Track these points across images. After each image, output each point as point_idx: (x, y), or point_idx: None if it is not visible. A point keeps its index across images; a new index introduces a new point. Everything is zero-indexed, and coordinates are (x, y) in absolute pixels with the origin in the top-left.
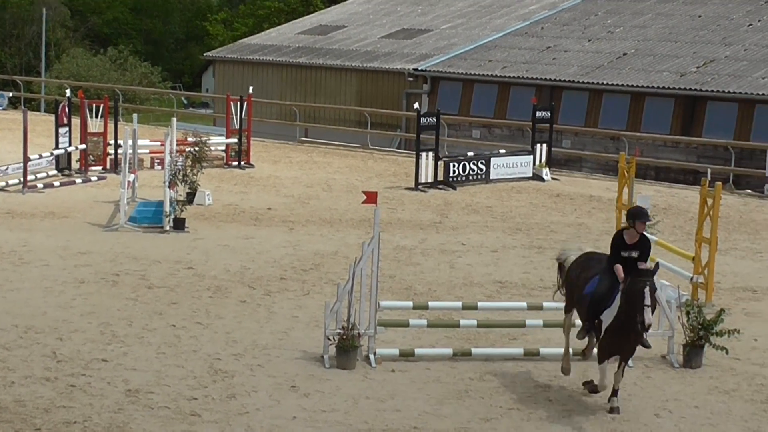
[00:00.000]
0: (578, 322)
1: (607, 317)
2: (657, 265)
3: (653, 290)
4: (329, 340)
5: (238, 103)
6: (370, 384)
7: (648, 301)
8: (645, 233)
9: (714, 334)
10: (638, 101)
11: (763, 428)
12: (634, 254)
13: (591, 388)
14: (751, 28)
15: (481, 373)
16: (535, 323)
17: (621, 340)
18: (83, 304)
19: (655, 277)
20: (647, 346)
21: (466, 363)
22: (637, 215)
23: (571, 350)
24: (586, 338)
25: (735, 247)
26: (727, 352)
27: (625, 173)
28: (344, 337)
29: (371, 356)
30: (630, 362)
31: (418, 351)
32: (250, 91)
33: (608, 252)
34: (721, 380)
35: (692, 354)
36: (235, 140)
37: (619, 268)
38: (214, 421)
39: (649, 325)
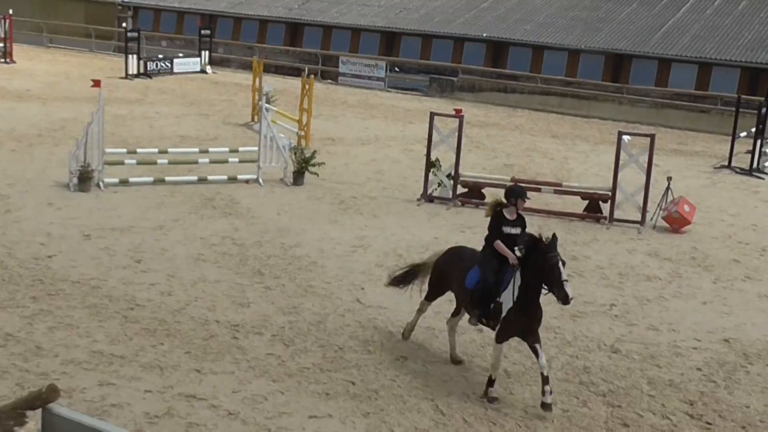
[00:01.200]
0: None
1: (507, 298)
2: (554, 236)
3: (564, 263)
4: (72, 174)
5: (3, 20)
6: (101, 201)
7: (565, 276)
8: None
9: (310, 165)
10: (264, 25)
11: (341, 219)
12: (515, 230)
13: (489, 391)
14: None
15: (171, 192)
16: (203, 161)
17: (524, 319)
18: None
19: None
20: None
21: (161, 186)
22: (519, 194)
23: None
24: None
25: (322, 114)
26: (318, 176)
27: (257, 69)
28: (83, 172)
29: (101, 183)
30: (539, 349)
31: (131, 180)
32: (11, 12)
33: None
34: (315, 192)
35: (297, 177)
36: (2, 45)
37: (500, 245)
38: None
39: (572, 298)
